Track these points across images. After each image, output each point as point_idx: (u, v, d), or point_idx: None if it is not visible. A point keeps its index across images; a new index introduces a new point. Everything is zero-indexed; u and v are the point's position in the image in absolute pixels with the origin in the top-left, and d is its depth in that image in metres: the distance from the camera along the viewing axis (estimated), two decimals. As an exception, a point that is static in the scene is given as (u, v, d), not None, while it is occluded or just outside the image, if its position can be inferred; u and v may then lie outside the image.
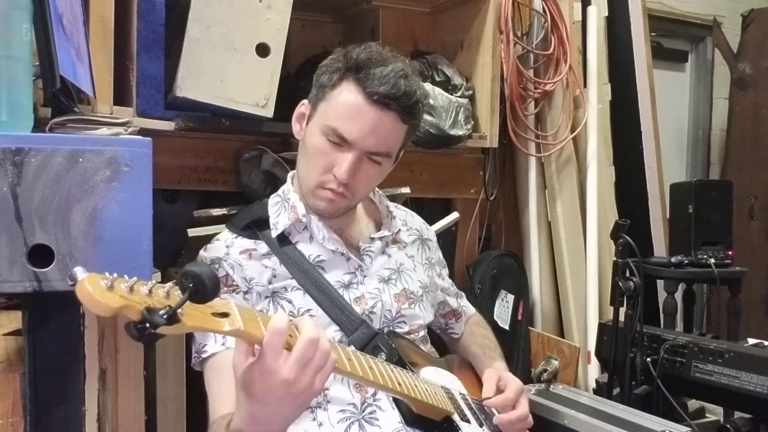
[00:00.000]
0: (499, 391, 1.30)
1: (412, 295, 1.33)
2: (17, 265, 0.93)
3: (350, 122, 1.18)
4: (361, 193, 1.28)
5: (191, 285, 0.74)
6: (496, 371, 1.36)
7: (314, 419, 1.19)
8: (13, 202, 0.92)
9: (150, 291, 0.74)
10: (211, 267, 0.75)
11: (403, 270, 1.35)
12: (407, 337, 1.29)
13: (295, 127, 1.30)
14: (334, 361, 0.90)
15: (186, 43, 1.52)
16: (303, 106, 1.29)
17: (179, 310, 0.74)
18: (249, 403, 0.89)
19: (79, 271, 0.71)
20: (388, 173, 1.31)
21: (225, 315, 0.81)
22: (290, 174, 1.37)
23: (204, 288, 0.74)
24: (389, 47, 1.26)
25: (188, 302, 0.75)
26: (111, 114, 1.26)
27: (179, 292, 0.75)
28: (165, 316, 0.72)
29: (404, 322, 1.30)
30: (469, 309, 1.58)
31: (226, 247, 1.26)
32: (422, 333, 1.35)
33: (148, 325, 0.71)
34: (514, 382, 1.32)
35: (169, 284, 0.76)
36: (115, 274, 0.73)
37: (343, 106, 1.19)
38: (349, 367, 0.97)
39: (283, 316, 0.87)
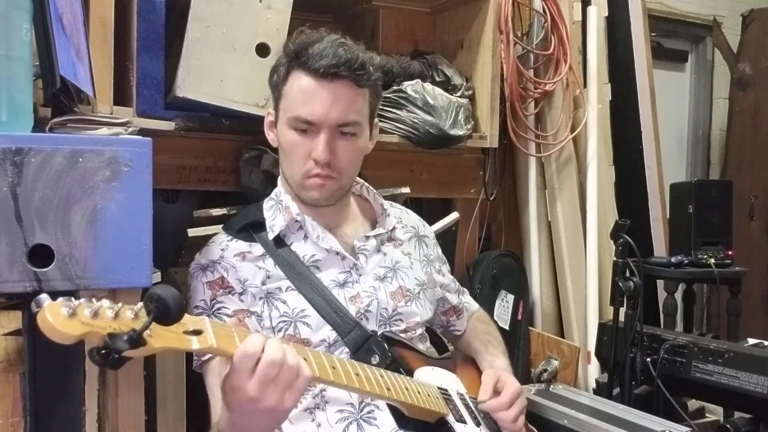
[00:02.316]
0: (497, 392, 1.30)
1: (408, 293, 1.33)
2: (17, 265, 0.93)
3: (309, 104, 1.22)
4: (348, 171, 1.29)
5: (154, 308, 0.73)
6: (495, 371, 1.35)
7: (313, 420, 1.19)
8: (13, 202, 0.92)
9: (116, 314, 0.73)
10: (175, 290, 0.75)
11: (399, 268, 1.35)
12: (403, 336, 1.29)
13: (269, 136, 1.35)
14: (307, 378, 0.91)
15: (186, 43, 1.52)
16: (270, 115, 1.34)
17: (147, 332, 0.73)
18: (228, 411, 0.93)
19: (44, 298, 0.71)
20: (369, 148, 1.34)
21: (198, 332, 0.82)
22: (279, 177, 1.38)
23: (168, 311, 0.74)
24: (324, 29, 1.28)
25: (156, 323, 0.74)
26: (111, 114, 1.26)
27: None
28: (128, 341, 0.71)
29: (401, 320, 1.30)
30: (472, 305, 1.57)
31: (221, 251, 1.27)
32: (419, 331, 1.35)
33: (111, 350, 0.71)
34: (512, 384, 1.31)
35: (139, 305, 0.75)
36: (82, 299, 0.72)
37: (298, 93, 1.23)
38: (333, 376, 0.97)
39: (257, 339, 0.88)
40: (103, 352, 0.71)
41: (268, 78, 1.32)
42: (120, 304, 0.75)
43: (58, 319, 0.69)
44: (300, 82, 1.23)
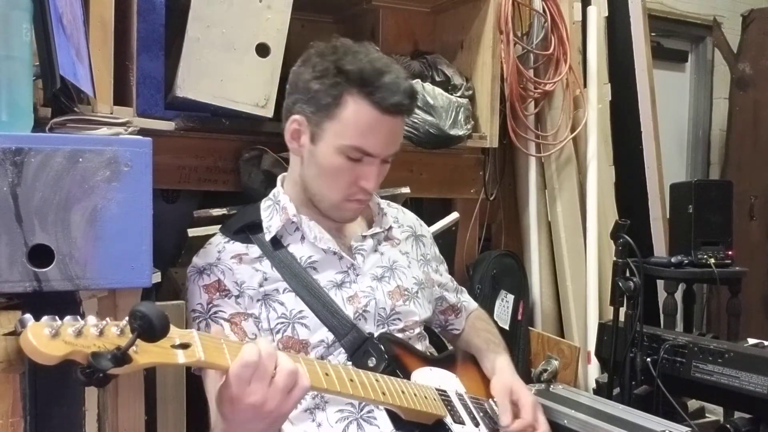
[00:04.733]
0: (513, 405, 1.29)
1: (406, 292, 1.33)
2: (17, 265, 0.92)
3: (371, 138, 1.20)
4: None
5: (138, 326, 0.73)
6: (504, 382, 1.33)
7: (313, 420, 1.19)
8: (13, 202, 0.92)
9: (101, 332, 0.73)
10: (159, 307, 0.75)
11: (397, 267, 1.35)
12: (400, 337, 1.29)
13: (292, 145, 1.28)
14: (304, 389, 0.90)
15: (186, 43, 1.52)
16: (295, 123, 1.26)
17: (133, 348, 0.73)
18: (224, 422, 0.92)
19: (27, 319, 0.71)
20: None
21: (186, 346, 0.82)
22: (280, 177, 1.37)
23: (152, 328, 0.73)
24: (367, 42, 1.26)
25: (141, 340, 0.74)
26: (111, 114, 1.25)
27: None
28: (112, 359, 0.71)
29: (399, 319, 1.30)
30: (471, 304, 1.57)
31: (217, 252, 1.26)
32: (418, 330, 1.35)
33: (95, 369, 0.70)
34: (526, 398, 1.30)
35: (124, 321, 0.75)
36: (67, 318, 0.72)
37: (360, 123, 1.19)
38: (326, 383, 0.96)
39: (253, 348, 0.87)
40: (87, 370, 0.71)
41: (305, 84, 1.22)
42: (106, 321, 0.74)
43: (41, 340, 0.69)
44: (362, 113, 1.18)
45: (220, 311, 1.21)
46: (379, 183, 1.27)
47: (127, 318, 0.75)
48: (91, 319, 0.74)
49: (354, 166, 1.22)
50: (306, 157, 1.27)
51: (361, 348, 1.21)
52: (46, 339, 0.70)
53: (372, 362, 1.18)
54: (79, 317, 0.74)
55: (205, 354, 0.83)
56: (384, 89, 1.18)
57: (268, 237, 1.27)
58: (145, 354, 0.76)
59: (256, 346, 0.88)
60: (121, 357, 0.72)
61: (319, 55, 1.23)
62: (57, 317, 0.72)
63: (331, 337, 1.22)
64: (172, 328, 0.79)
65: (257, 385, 0.86)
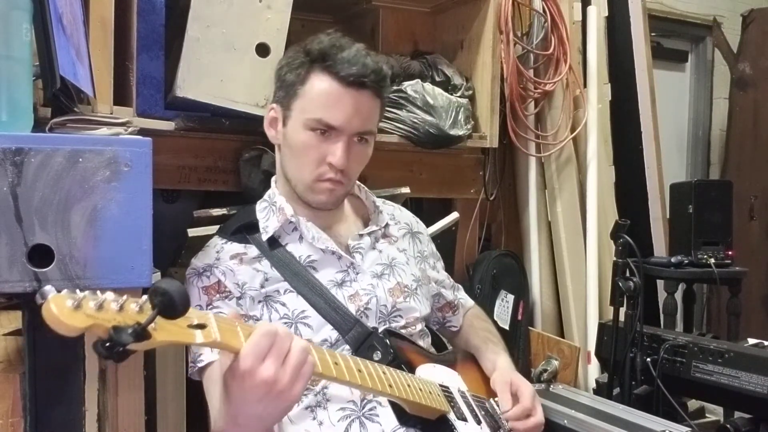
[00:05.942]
0: (513, 397, 1.30)
1: (406, 289, 1.33)
2: (17, 265, 0.93)
3: (332, 109, 1.21)
4: (355, 176, 1.31)
5: (159, 302, 0.73)
6: (504, 376, 1.34)
7: (314, 418, 1.19)
8: (13, 202, 0.92)
9: (121, 307, 0.73)
10: (180, 284, 0.75)
11: (396, 264, 1.35)
12: (404, 333, 1.29)
13: (270, 133, 1.32)
14: (312, 364, 0.90)
15: (186, 43, 1.52)
16: (272, 111, 1.30)
17: (151, 325, 0.73)
18: (230, 405, 0.90)
19: (49, 290, 0.71)
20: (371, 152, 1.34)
21: (202, 327, 0.82)
22: (273, 178, 1.38)
23: (173, 304, 0.73)
24: (341, 34, 1.28)
25: (160, 317, 0.74)
26: (111, 114, 1.26)
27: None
28: (132, 334, 0.71)
29: (400, 316, 1.30)
30: (468, 301, 1.58)
31: (216, 253, 1.26)
32: (419, 326, 1.35)
33: (116, 343, 0.71)
34: (526, 388, 1.32)
35: (144, 298, 0.75)
36: (87, 292, 0.72)
37: (321, 95, 1.22)
38: (335, 372, 0.96)
39: (271, 324, 0.88)
40: (107, 344, 0.71)
41: (278, 73, 1.29)
42: (125, 297, 0.74)
43: (63, 311, 0.69)
44: (323, 85, 1.22)
45: (221, 312, 1.21)
46: (353, 165, 1.26)
47: (146, 295, 0.75)
48: (110, 294, 0.74)
49: (321, 142, 1.23)
50: (281, 142, 1.29)
51: (365, 342, 1.21)
52: (69, 310, 0.69)
53: (377, 356, 1.18)
54: (99, 292, 0.73)
55: (221, 335, 0.83)
56: (343, 61, 1.20)
57: (265, 237, 1.27)
58: (163, 331, 0.76)
59: (274, 324, 0.88)
60: (141, 332, 0.72)
61: (293, 47, 1.29)
62: (78, 290, 0.72)
63: (335, 335, 1.22)
64: (189, 309, 0.79)
65: (272, 361, 0.85)
